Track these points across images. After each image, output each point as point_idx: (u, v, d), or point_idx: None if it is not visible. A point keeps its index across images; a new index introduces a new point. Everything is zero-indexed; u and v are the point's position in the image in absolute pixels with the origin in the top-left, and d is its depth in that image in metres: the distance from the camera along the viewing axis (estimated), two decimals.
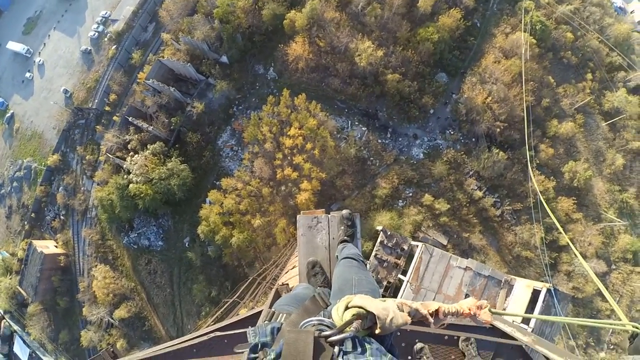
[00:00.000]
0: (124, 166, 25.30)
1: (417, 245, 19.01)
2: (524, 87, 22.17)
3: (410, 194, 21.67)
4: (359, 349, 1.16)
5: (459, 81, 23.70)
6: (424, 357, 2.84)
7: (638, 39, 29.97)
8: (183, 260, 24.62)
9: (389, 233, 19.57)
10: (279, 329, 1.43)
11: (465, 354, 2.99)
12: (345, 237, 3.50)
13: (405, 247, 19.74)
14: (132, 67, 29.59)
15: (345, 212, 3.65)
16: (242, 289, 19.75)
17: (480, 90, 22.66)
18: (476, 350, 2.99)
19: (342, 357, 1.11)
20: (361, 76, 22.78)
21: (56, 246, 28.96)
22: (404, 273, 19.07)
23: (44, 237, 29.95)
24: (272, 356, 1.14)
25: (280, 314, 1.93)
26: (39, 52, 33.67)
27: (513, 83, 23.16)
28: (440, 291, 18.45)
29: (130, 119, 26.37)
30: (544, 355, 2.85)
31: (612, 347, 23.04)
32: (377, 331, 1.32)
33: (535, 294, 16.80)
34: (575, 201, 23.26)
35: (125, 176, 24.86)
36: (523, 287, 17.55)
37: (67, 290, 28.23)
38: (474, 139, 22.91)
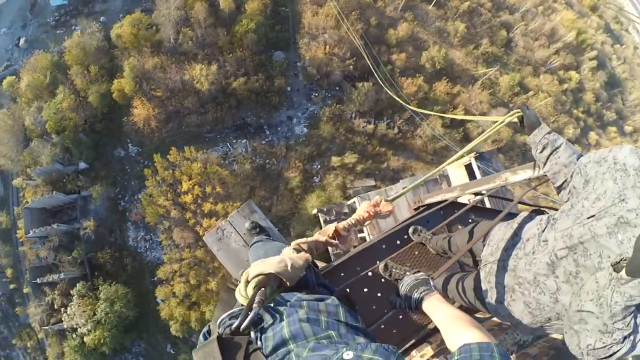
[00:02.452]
0: (66, 327, 23.07)
1: (354, 202, 19.50)
2: (346, 22, 23.42)
3: (319, 166, 22.11)
4: (277, 318, 1.06)
5: (294, 50, 24.46)
6: (393, 270, 2.71)
7: None
8: None
9: (325, 209, 19.80)
10: (209, 332, 1.30)
11: (424, 242, 2.94)
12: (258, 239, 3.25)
13: (347, 210, 20.14)
14: (6, 233, 26.64)
15: (247, 224, 3.46)
16: None
17: (317, 46, 23.57)
18: (430, 233, 2.94)
19: (261, 339, 0.99)
20: (211, 99, 22.61)
21: None
22: (361, 231, 19.49)
23: None
24: None
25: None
26: None
27: (338, 23, 24.37)
28: (397, 219, 19.08)
29: (38, 280, 24.04)
30: (475, 195, 3.19)
31: None
32: (288, 284, 1.22)
33: (469, 168, 18.12)
34: (447, 79, 25.37)
35: (74, 335, 22.79)
36: (456, 170, 18.84)
37: None
38: (337, 88, 23.89)
